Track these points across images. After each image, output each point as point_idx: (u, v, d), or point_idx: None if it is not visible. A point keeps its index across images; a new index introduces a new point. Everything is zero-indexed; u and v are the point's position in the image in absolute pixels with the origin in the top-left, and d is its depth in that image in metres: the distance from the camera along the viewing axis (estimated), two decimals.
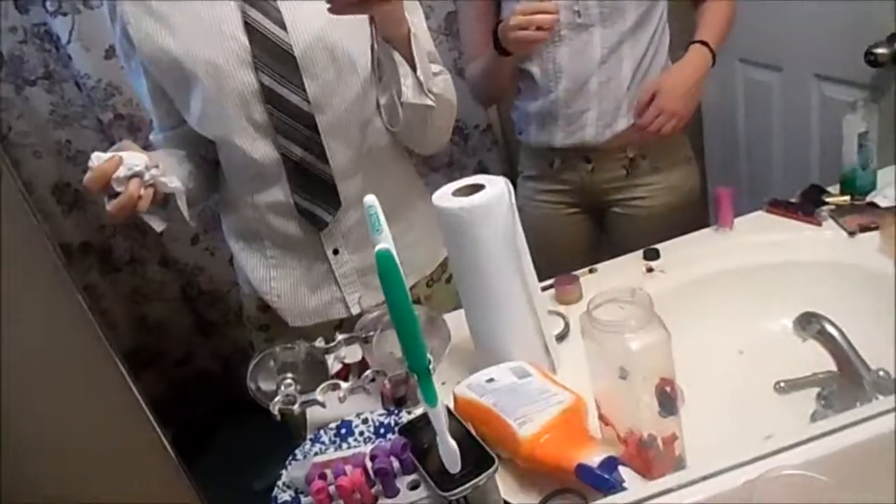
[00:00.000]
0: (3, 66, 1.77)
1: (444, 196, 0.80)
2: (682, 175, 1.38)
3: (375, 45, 0.99)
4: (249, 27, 0.94)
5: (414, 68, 0.95)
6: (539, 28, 1.11)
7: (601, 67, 1.24)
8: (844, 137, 1.07)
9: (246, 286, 1.16)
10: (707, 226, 1.14)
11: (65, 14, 1.68)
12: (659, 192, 1.36)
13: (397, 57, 0.94)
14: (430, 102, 0.97)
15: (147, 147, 1.01)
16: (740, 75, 1.77)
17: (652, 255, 1.09)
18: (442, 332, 0.88)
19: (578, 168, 1.35)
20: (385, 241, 0.51)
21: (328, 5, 0.82)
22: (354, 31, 0.98)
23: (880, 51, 1.26)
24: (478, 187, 0.80)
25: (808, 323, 0.76)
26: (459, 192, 0.81)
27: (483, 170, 2.10)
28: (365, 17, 0.98)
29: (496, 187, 0.79)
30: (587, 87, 1.25)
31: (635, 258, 1.11)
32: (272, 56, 0.94)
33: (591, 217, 1.45)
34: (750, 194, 1.87)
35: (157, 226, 0.97)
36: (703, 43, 1.24)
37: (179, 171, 1.01)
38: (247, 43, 0.94)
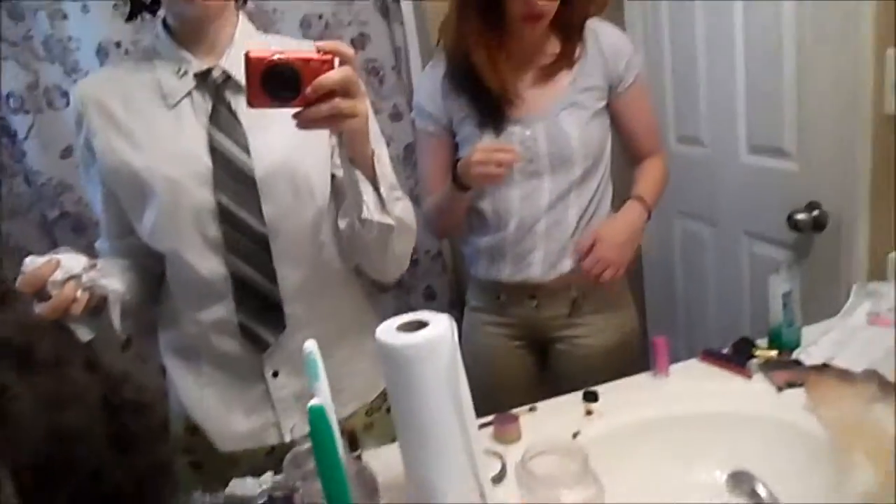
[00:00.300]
0: None
1: (388, 331, 0.80)
2: (622, 317, 1.43)
3: (336, 171, 1.02)
4: (214, 150, 0.96)
5: (376, 188, 0.95)
6: (499, 165, 1.17)
7: (549, 212, 1.31)
8: (770, 296, 1.14)
9: (176, 405, 1.10)
10: (646, 368, 1.16)
11: (27, 112, 1.69)
12: (600, 332, 1.40)
13: (360, 176, 0.94)
14: (390, 221, 0.95)
15: (90, 251, 1.00)
16: (678, 226, 1.89)
17: (591, 397, 1.10)
18: (370, 486, 0.85)
19: (524, 304, 1.39)
20: (321, 394, 0.50)
21: (295, 122, 0.81)
22: (316, 159, 1.02)
23: (800, 216, 1.38)
24: (422, 324, 0.81)
25: (739, 482, 0.77)
26: (403, 328, 0.81)
27: (431, 294, 2.12)
28: (327, 144, 1.02)
29: (440, 326, 0.80)
30: (535, 228, 1.31)
31: (575, 399, 1.11)
32: (233, 178, 0.96)
33: (536, 351, 1.47)
34: (686, 338, 1.94)
35: (84, 334, 0.93)
36: (639, 199, 1.33)
37: (120, 279, 0.99)
38: (210, 164, 0.96)
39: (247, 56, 0.75)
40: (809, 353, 1.09)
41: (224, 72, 0.97)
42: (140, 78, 0.99)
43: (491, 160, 1.17)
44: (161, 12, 1.00)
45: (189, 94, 0.97)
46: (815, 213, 1.37)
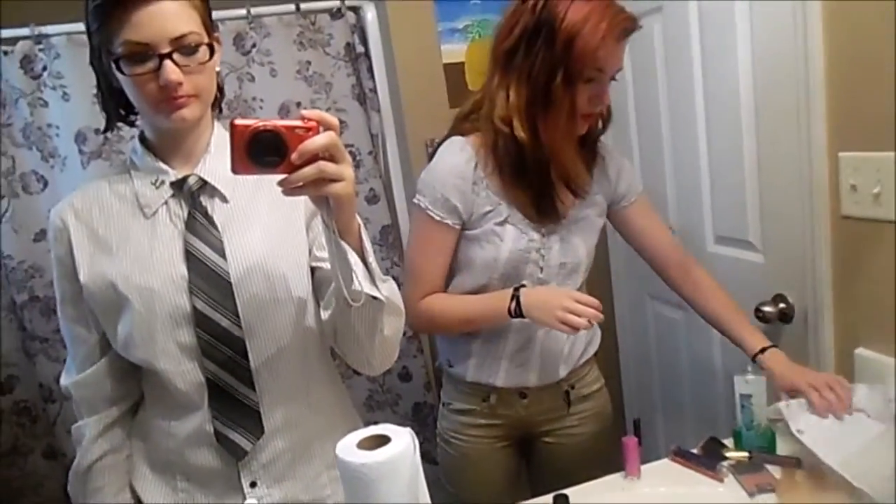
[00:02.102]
0: None
1: (348, 448, 0.79)
2: (603, 402, 1.44)
3: (316, 264, 1.02)
4: (189, 255, 0.96)
5: (365, 260, 0.89)
6: (589, 321, 1.13)
7: None
8: (735, 396, 1.14)
9: None
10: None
11: (1, 197, 1.69)
12: (587, 419, 1.40)
13: (348, 248, 0.88)
14: (380, 295, 0.88)
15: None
16: (650, 309, 1.90)
17: (562, 500, 1.08)
18: None
19: (514, 404, 1.36)
20: None
21: (281, 188, 0.78)
22: (292, 258, 1.01)
23: (767, 308, 1.39)
24: (383, 439, 0.80)
25: None
26: (364, 444, 0.79)
27: (407, 376, 2.10)
28: (304, 241, 1.02)
29: (401, 442, 0.79)
30: (536, 336, 1.30)
31: (545, 502, 1.09)
32: (208, 282, 0.96)
33: (521, 449, 1.44)
34: (664, 422, 1.92)
35: None
36: (770, 346, 1.23)
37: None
38: (185, 271, 0.96)
39: (232, 124, 0.75)
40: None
41: (200, 178, 0.98)
42: (117, 190, 1.00)
43: (585, 314, 1.12)
44: (138, 123, 1.02)
45: (165, 202, 0.98)
46: (782, 305, 1.39)
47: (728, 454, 1.13)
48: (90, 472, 1.05)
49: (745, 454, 1.12)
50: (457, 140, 1.26)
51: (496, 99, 1.19)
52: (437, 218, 1.24)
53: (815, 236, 1.27)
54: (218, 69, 0.99)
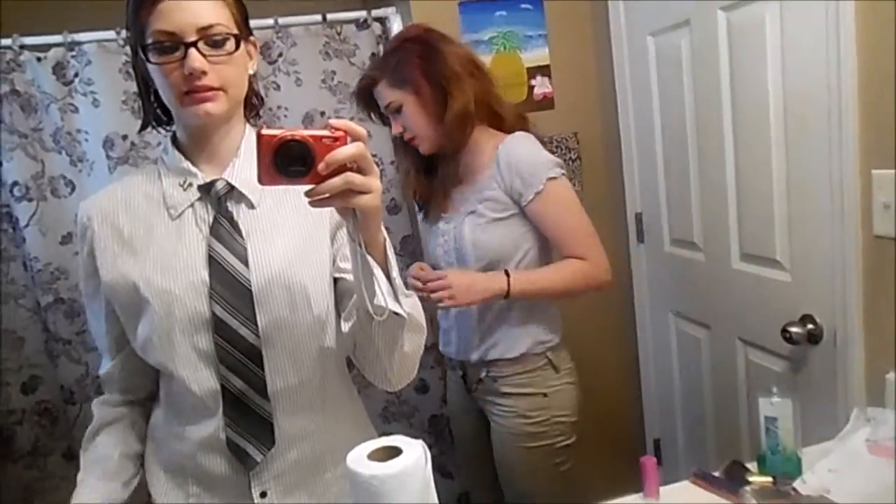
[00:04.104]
0: None
1: (359, 458, 0.78)
2: (529, 406, 1.48)
3: (339, 275, 1.01)
4: (212, 260, 0.96)
5: (388, 275, 0.87)
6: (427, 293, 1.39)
7: None
8: (760, 418, 1.11)
9: None
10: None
11: (30, 200, 1.72)
12: (508, 414, 1.50)
13: (373, 262, 0.86)
14: (402, 311, 0.86)
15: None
16: (673, 327, 1.86)
17: None
18: None
19: (457, 369, 1.62)
20: None
21: (308, 199, 0.77)
22: (314, 269, 1.00)
23: (795, 329, 1.35)
24: (395, 450, 0.78)
25: None
26: (375, 455, 0.78)
27: (424, 388, 2.08)
28: (327, 253, 1.01)
29: (413, 453, 0.77)
30: (449, 312, 1.55)
31: None
32: (228, 289, 0.95)
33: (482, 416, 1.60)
34: (686, 443, 1.88)
35: None
36: (507, 273, 1.41)
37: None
38: (206, 276, 0.95)
39: (258, 133, 0.74)
40: (805, 482, 1.04)
41: (227, 184, 0.98)
42: (145, 189, 1.01)
43: (418, 286, 1.40)
44: (172, 126, 1.03)
45: (192, 205, 0.99)
46: (810, 326, 1.35)
47: (751, 478, 1.09)
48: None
49: (770, 479, 1.08)
50: None
51: None
52: None
53: (846, 256, 1.24)
54: (252, 72, 0.99)
